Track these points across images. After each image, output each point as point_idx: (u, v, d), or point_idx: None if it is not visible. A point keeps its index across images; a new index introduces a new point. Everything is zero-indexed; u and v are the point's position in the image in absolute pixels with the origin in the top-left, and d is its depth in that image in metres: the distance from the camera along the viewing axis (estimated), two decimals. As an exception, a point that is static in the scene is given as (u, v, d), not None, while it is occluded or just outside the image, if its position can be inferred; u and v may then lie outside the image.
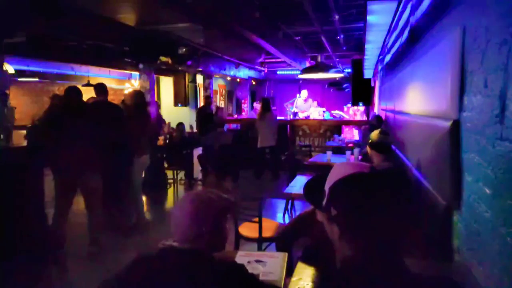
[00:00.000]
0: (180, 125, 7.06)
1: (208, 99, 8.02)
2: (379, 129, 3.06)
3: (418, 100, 2.49)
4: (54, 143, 3.46)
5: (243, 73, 11.20)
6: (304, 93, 10.63)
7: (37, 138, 3.78)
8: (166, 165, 6.65)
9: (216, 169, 6.92)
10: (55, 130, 3.46)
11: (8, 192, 3.56)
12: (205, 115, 7.38)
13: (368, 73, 7.45)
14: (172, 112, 10.22)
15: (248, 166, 7.31)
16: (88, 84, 8.74)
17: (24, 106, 9.39)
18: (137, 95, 4.54)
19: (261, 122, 7.07)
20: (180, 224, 1.31)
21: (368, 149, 2.99)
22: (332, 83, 11.62)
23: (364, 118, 9.84)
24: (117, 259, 3.66)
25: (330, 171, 1.02)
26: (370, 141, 2.96)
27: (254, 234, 3.04)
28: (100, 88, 4.43)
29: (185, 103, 10.20)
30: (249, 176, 7.24)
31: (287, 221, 4.88)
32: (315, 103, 10.93)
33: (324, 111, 10.38)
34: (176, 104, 10.26)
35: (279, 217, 4.97)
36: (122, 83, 11.30)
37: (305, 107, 10.36)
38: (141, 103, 4.48)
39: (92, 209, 3.72)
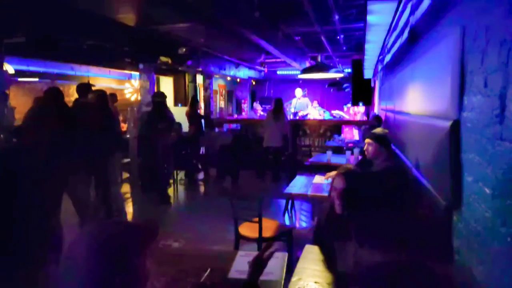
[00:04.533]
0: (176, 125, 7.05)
1: (194, 100, 7.84)
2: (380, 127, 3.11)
3: (418, 100, 2.49)
4: (37, 145, 3.43)
5: (243, 73, 11.20)
6: (299, 91, 10.61)
7: (22, 140, 3.76)
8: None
9: (216, 168, 6.92)
10: (36, 132, 3.44)
11: (8, 191, 3.55)
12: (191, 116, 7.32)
13: (368, 73, 7.45)
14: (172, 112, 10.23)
15: (248, 166, 7.30)
16: (89, 85, 8.75)
17: (24, 106, 9.36)
18: (101, 95, 4.55)
19: (271, 121, 6.96)
20: (81, 271, 0.95)
21: (370, 145, 2.98)
22: (332, 83, 11.62)
23: (365, 118, 9.85)
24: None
25: None
26: (374, 135, 2.97)
27: (254, 234, 3.04)
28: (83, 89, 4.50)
29: (185, 103, 10.20)
30: (249, 176, 7.23)
31: (287, 221, 4.88)
32: (315, 102, 10.93)
33: (324, 111, 10.39)
34: (176, 104, 10.27)
35: (279, 217, 4.98)
36: (122, 83, 11.30)
37: (302, 107, 10.36)
38: (104, 103, 4.50)
39: (82, 213, 3.70)
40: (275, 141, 6.87)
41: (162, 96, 5.86)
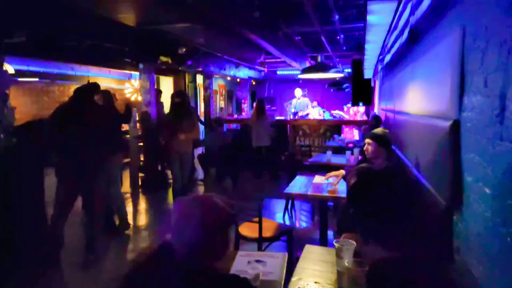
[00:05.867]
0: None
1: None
2: (380, 127, 3.11)
3: (418, 100, 2.49)
4: (62, 144, 3.42)
5: (243, 73, 11.19)
6: (298, 91, 10.62)
7: (44, 137, 3.74)
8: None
9: (216, 169, 6.92)
10: (65, 129, 3.42)
11: (7, 190, 3.55)
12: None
13: (368, 73, 7.44)
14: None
15: (248, 166, 7.31)
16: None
17: (24, 106, 9.37)
18: (106, 95, 4.49)
19: (256, 122, 7.11)
20: (182, 229, 1.20)
21: (370, 144, 2.98)
22: (332, 83, 11.61)
23: (365, 118, 9.84)
24: (113, 266, 3.65)
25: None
26: (374, 135, 2.97)
27: (254, 234, 3.04)
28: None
29: (185, 103, 10.20)
30: (248, 176, 7.24)
31: (287, 221, 4.89)
32: (315, 102, 10.92)
33: (324, 111, 10.38)
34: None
35: (279, 217, 4.98)
36: (122, 83, 11.30)
37: (302, 107, 10.35)
38: (110, 103, 4.47)
39: (91, 215, 3.69)
40: (263, 141, 7.01)
41: (183, 95, 5.26)
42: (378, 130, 3.07)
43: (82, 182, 3.54)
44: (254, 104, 7.39)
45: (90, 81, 4.09)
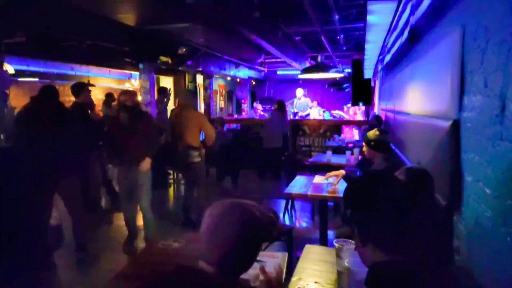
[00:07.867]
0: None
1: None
2: (376, 128, 3.06)
3: (418, 100, 2.49)
4: (27, 145, 3.36)
5: (243, 73, 11.19)
6: (299, 91, 10.62)
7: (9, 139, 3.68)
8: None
9: (216, 169, 6.92)
10: (28, 131, 3.37)
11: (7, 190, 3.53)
12: None
13: (368, 73, 7.44)
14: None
15: (248, 166, 7.31)
16: (88, 84, 8.73)
17: (24, 106, 9.38)
18: (132, 95, 4.06)
19: (271, 123, 7.05)
20: (218, 239, 1.05)
21: (365, 148, 2.99)
22: (332, 83, 11.61)
23: (365, 118, 9.84)
24: (108, 263, 3.64)
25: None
26: (367, 139, 2.96)
27: (254, 234, 3.04)
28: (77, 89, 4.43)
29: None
30: (249, 176, 7.23)
31: (287, 221, 4.88)
32: (315, 102, 10.93)
33: (324, 111, 10.38)
34: (176, 104, 10.27)
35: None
36: (122, 83, 11.29)
37: (303, 107, 10.36)
38: (138, 104, 4.32)
39: (74, 214, 3.66)
40: (275, 142, 6.96)
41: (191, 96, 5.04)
42: (370, 133, 2.99)
43: (54, 184, 3.48)
44: (254, 104, 7.34)
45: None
